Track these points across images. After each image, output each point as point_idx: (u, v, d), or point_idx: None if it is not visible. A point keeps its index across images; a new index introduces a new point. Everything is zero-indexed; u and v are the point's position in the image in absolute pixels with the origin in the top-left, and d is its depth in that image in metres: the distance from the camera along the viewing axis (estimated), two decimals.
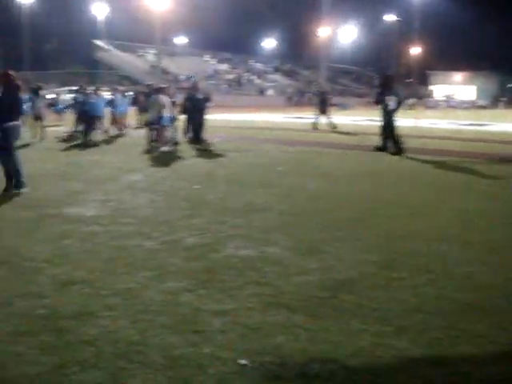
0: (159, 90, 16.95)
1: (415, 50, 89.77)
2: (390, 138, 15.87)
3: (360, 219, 7.59)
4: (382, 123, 16.04)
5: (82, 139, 18.23)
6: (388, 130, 15.91)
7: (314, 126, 24.49)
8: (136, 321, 4.18)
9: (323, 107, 24.98)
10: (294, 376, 3.42)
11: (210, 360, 3.60)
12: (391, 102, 15.94)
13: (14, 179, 9.29)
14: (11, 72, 9.57)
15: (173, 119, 17.02)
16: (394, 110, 15.80)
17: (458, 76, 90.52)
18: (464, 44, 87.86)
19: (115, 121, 20.51)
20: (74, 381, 3.34)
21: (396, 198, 9.04)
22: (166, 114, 16.16)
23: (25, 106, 18.17)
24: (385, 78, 17.37)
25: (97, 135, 19.09)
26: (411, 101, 64.43)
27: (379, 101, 16.21)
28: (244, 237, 6.60)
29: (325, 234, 6.73)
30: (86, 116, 18.66)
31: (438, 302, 4.59)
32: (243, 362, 3.58)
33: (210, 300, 4.61)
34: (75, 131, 20.00)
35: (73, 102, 21.80)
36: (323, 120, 24.63)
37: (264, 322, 4.18)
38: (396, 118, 15.92)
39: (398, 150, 15.54)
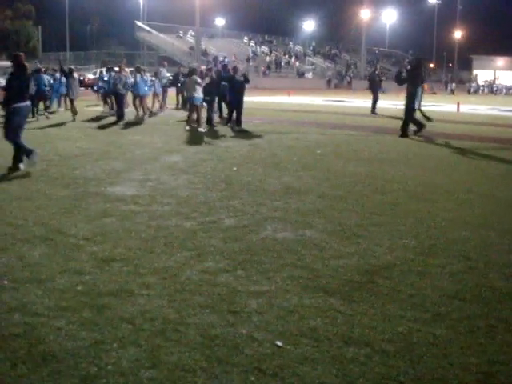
0: (193, 72, 17.09)
1: (457, 34, 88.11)
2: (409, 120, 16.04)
3: (398, 204, 7.52)
4: (410, 107, 15.94)
5: (116, 118, 18.37)
6: (411, 112, 15.98)
7: (373, 111, 24.38)
8: (173, 300, 4.24)
9: (376, 90, 24.88)
10: (330, 359, 3.43)
11: (247, 341, 3.63)
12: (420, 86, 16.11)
13: (18, 155, 9.50)
14: (21, 54, 10.04)
15: (210, 100, 17.12)
16: (418, 95, 15.89)
17: (501, 61, 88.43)
18: (508, 28, 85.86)
19: (140, 101, 20.38)
20: (112, 357, 3.41)
21: (434, 184, 8.93)
22: (200, 95, 16.26)
23: (56, 85, 18.63)
24: (417, 62, 17.32)
25: (134, 114, 19.25)
26: (452, 86, 63.49)
27: (404, 81, 16.36)
28: (282, 219, 6.61)
29: (362, 219, 6.70)
30: (117, 95, 18.79)
31: (476, 290, 4.54)
32: (279, 343, 3.60)
33: (247, 281, 4.64)
34: (112, 110, 20.22)
35: (100, 81, 22.22)
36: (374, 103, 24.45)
37: (300, 305, 4.19)
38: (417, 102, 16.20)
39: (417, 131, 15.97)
